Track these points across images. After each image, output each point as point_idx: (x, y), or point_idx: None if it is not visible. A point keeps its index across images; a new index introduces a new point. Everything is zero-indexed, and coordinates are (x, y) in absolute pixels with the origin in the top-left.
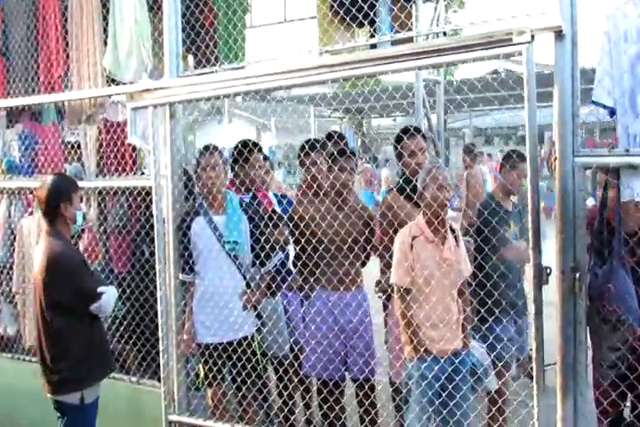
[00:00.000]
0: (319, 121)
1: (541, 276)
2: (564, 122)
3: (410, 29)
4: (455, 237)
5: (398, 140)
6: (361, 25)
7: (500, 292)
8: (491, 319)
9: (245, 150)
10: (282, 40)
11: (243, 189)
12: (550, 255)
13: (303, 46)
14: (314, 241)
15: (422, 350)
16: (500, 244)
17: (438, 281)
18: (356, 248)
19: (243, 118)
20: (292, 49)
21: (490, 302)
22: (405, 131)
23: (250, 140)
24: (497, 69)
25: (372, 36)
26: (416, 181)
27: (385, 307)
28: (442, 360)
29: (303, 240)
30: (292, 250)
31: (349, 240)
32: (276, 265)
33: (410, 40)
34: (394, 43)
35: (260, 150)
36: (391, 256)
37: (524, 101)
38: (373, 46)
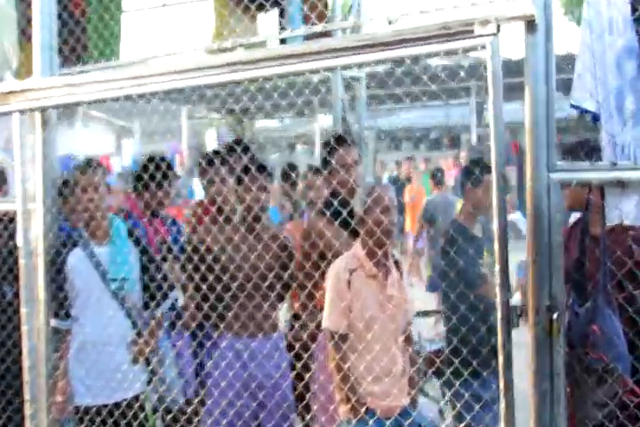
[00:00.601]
0: (191, 123)
1: (509, 317)
2: (537, 129)
3: (326, 20)
4: (400, 272)
5: (330, 149)
6: (261, 7)
7: (478, 337)
8: (466, 372)
9: (151, 165)
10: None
11: (148, 214)
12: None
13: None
14: (224, 277)
15: (363, 409)
16: (472, 280)
17: (382, 325)
18: (266, 287)
19: (101, 121)
20: (188, 42)
21: (465, 351)
22: (339, 139)
23: (157, 155)
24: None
25: (283, 28)
26: (348, 200)
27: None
28: (387, 422)
29: (209, 275)
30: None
31: (261, 277)
32: (173, 306)
33: (328, 33)
34: (308, 37)
35: (169, 167)
36: (311, 291)
37: (438, 99)
38: (283, 41)
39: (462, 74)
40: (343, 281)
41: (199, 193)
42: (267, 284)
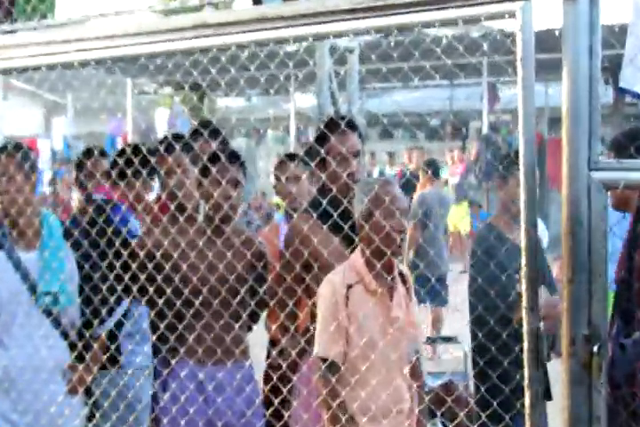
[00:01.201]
0: (138, 100)
1: (539, 348)
2: (577, 115)
3: None
4: (407, 288)
5: (320, 137)
6: None
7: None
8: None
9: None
10: None
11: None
12: None
13: None
14: (185, 290)
15: None
16: (509, 299)
17: (384, 353)
18: (236, 303)
19: (24, 94)
20: None
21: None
22: (332, 124)
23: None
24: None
25: None
26: (344, 200)
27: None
28: None
29: (166, 287)
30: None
31: (231, 291)
32: (121, 322)
33: None
34: None
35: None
36: (294, 303)
37: (442, 74)
38: (257, 2)
39: (472, 47)
40: (340, 298)
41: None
42: (238, 299)
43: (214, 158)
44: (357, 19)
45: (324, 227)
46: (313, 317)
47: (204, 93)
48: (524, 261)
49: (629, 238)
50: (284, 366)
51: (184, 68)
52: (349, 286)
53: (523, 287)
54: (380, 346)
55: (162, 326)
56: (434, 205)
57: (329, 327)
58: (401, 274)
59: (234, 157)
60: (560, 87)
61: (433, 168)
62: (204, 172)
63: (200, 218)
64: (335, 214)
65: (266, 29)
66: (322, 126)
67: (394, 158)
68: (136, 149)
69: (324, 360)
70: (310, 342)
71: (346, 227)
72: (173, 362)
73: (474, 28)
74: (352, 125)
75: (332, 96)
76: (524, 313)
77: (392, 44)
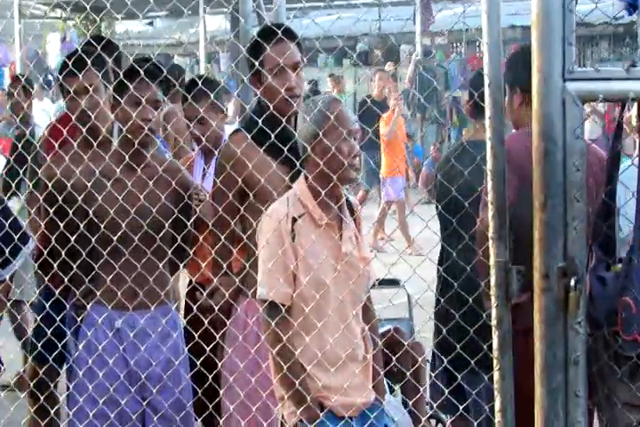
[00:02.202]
0: (27, 24)
1: (508, 284)
2: (549, 20)
3: None
4: (354, 219)
5: (255, 47)
6: None
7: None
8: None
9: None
10: None
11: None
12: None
13: None
14: (101, 225)
15: (318, 409)
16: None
17: (333, 292)
18: (160, 239)
19: None
20: None
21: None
22: (267, 33)
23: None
24: None
25: None
26: (283, 119)
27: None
28: (348, 422)
29: (77, 222)
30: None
31: (154, 226)
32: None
33: None
34: None
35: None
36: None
37: None
38: None
39: None
40: (285, 233)
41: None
42: (162, 234)
43: (130, 74)
44: None
45: (261, 149)
46: (248, 253)
47: (101, 17)
48: (490, 184)
49: (609, 158)
50: (217, 308)
51: None
52: (294, 220)
53: (489, 214)
54: (329, 285)
55: (74, 266)
56: None
57: (273, 266)
58: (350, 206)
59: (153, 73)
60: (505, 7)
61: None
62: (120, 90)
63: (115, 143)
64: (273, 135)
65: None
66: (255, 35)
67: (317, 87)
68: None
69: (268, 303)
70: (245, 281)
71: (285, 149)
72: (88, 307)
73: None
74: (290, 34)
75: (258, 15)
76: (490, 244)
77: None
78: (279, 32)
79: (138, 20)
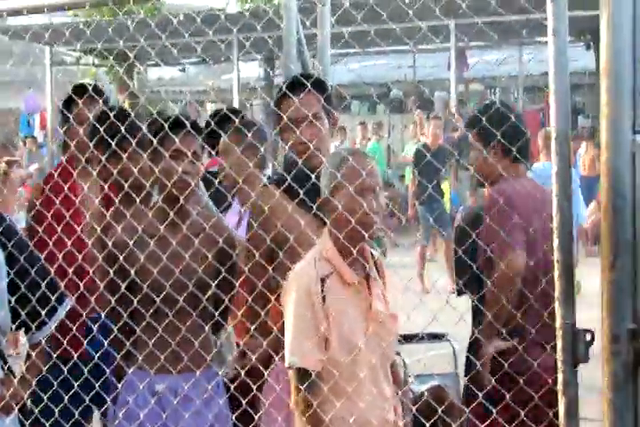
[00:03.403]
0: (58, 71)
1: (576, 346)
2: (619, 73)
3: None
4: (381, 276)
5: (276, 100)
6: None
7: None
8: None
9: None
10: None
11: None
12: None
13: None
14: (144, 286)
15: None
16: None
17: (365, 355)
18: (205, 301)
19: None
20: None
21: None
22: (296, 82)
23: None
24: None
25: None
26: (310, 173)
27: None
28: None
29: (120, 281)
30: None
31: (199, 286)
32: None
33: None
34: None
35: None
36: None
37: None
38: None
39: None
40: (315, 295)
41: None
42: (208, 295)
43: (173, 127)
44: None
45: (288, 199)
46: (279, 314)
47: (133, 63)
48: (556, 242)
49: None
50: (242, 373)
51: (108, 34)
52: (322, 280)
53: (555, 274)
54: (361, 347)
55: (115, 328)
56: None
57: (304, 330)
58: (375, 262)
59: (194, 126)
60: (536, 52)
61: None
62: (159, 142)
63: (155, 199)
64: (302, 189)
65: None
66: (281, 88)
67: (347, 134)
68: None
69: (299, 370)
70: (277, 344)
71: (314, 205)
72: (129, 371)
73: None
74: (302, 84)
75: (302, 60)
76: (556, 306)
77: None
78: (308, 82)
79: (170, 66)
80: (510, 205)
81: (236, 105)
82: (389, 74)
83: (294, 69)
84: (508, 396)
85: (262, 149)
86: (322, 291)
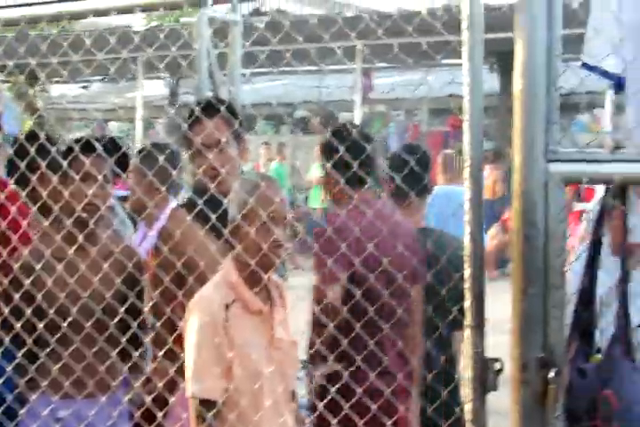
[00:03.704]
0: None
1: (485, 375)
2: (533, 99)
3: None
4: (283, 301)
5: (191, 123)
6: None
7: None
8: None
9: None
10: None
11: None
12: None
13: None
14: (50, 310)
15: None
16: None
17: (270, 384)
18: (112, 326)
19: None
20: None
21: None
22: (205, 107)
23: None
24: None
25: None
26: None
27: None
28: None
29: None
30: None
31: (106, 311)
32: None
33: None
34: None
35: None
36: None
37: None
38: None
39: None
40: (219, 323)
41: None
42: (116, 320)
43: (83, 150)
44: None
45: (198, 224)
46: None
47: (34, 80)
48: (467, 271)
49: (591, 243)
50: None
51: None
52: (227, 306)
53: (466, 303)
54: (266, 375)
55: (18, 354)
56: None
57: (208, 359)
58: (277, 286)
59: (110, 146)
60: (442, 74)
61: None
62: (68, 165)
63: (65, 222)
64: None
65: None
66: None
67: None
68: None
69: (201, 399)
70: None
71: (223, 230)
72: (32, 398)
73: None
74: (208, 110)
75: (212, 77)
76: (466, 333)
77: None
78: (214, 104)
79: (74, 83)
80: (339, 235)
81: (139, 123)
82: (295, 94)
83: (205, 90)
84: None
85: (173, 173)
86: (226, 318)
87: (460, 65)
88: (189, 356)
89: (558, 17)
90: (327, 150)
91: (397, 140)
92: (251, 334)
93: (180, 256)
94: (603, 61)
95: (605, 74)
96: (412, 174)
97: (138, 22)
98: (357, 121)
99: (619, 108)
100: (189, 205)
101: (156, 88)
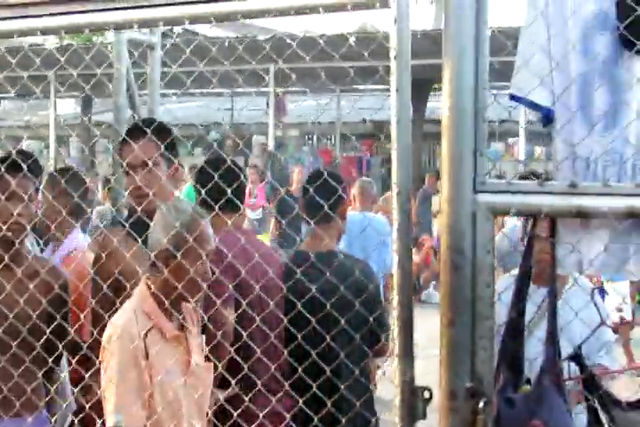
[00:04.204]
0: None
1: (414, 403)
2: (460, 129)
3: None
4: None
5: (120, 144)
6: None
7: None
8: None
9: None
10: None
11: None
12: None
13: None
14: None
15: None
16: None
17: (188, 409)
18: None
19: None
20: None
21: None
22: (133, 129)
23: None
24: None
25: None
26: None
27: None
28: None
29: None
30: None
31: (32, 331)
32: None
33: None
34: None
35: None
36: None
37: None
38: None
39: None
40: (139, 352)
41: None
42: (43, 340)
43: (8, 169)
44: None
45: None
46: None
47: None
48: (396, 298)
49: (520, 275)
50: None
51: None
52: (145, 335)
53: (395, 331)
54: (184, 402)
55: None
56: None
57: (130, 388)
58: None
59: (21, 165)
60: (362, 98)
61: None
62: None
63: None
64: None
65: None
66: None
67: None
68: None
69: None
70: None
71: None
72: None
73: (259, 30)
74: (134, 132)
75: (131, 98)
76: (396, 362)
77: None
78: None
79: None
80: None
81: (52, 141)
82: (208, 116)
83: (124, 109)
84: None
85: (76, 196)
86: (145, 347)
87: (374, 90)
88: (110, 386)
89: (485, 47)
90: (201, 177)
91: (311, 163)
92: (167, 359)
93: (110, 274)
94: (531, 94)
95: (533, 106)
96: (326, 199)
97: (50, 41)
98: (271, 143)
99: (529, 139)
100: (115, 224)
101: (67, 106)
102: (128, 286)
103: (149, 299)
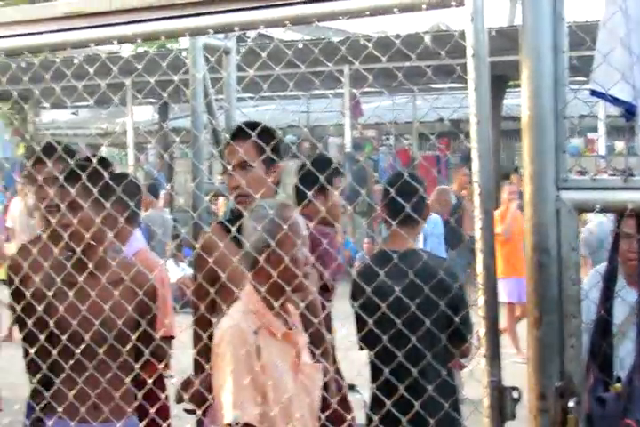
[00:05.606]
0: None
1: (503, 404)
2: (541, 127)
3: None
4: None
5: (224, 145)
6: None
7: None
8: None
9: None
10: None
11: None
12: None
13: None
14: (63, 336)
15: None
16: None
17: (301, 408)
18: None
19: None
20: None
21: None
22: (236, 131)
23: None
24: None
25: None
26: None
27: None
28: None
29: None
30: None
31: (119, 338)
32: None
33: None
34: None
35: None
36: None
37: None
38: None
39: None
40: (252, 350)
41: None
42: (129, 347)
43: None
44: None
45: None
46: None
47: (22, 105)
48: (481, 299)
49: (607, 271)
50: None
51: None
52: (255, 333)
53: (482, 331)
54: (296, 400)
55: (34, 380)
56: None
57: (245, 385)
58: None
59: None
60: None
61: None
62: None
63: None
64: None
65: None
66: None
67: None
68: None
69: (240, 425)
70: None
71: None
72: (49, 422)
73: (333, 33)
74: (236, 134)
75: (208, 103)
76: (484, 363)
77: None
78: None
79: (64, 109)
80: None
81: (131, 148)
82: (283, 118)
83: (201, 114)
84: None
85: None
86: (258, 345)
87: (450, 89)
88: (224, 384)
89: (564, 43)
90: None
91: (389, 164)
92: (277, 358)
93: (212, 268)
94: (612, 89)
95: (615, 100)
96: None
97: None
98: (348, 145)
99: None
100: (222, 223)
101: (144, 113)
102: (233, 288)
103: (257, 299)
